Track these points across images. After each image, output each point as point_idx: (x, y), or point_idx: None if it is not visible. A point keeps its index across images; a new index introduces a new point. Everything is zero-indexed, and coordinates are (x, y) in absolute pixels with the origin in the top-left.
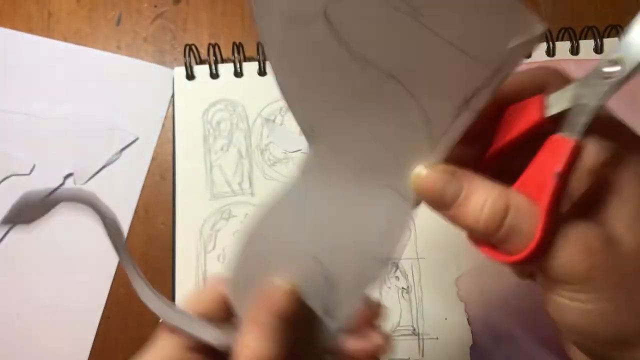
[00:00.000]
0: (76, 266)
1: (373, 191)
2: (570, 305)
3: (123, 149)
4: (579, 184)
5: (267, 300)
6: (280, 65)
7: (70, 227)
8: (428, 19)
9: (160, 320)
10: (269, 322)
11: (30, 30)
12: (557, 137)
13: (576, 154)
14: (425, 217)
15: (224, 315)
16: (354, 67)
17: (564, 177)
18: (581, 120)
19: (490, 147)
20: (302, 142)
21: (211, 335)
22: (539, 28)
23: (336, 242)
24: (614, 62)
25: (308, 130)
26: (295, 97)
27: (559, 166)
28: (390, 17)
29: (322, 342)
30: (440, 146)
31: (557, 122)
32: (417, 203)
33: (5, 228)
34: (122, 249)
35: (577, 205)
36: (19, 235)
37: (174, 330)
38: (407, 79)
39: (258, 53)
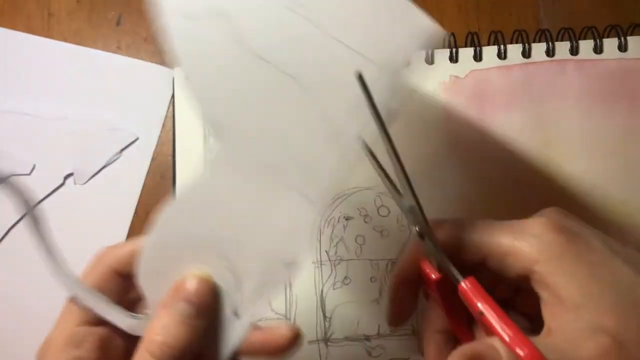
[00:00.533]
0: (76, 266)
1: (277, 192)
2: None
3: (123, 149)
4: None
5: (179, 287)
6: (185, 60)
7: (70, 228)
8: (326, 22)
9: (69, 296)
10: (180, 308)
11: (30, 30)
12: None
13: (467, 291)
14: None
15: (117, 288)
16: (253, 65)
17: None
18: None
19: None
20: None
21: (119, 318)
22: (432, 28)
23: (242, 239)
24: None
25: (214, 126)
26: (201, 93)
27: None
28: (289, 21)
29: (229, 339)
30: (345, 149)
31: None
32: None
33: (6, 228)
34: (36, 225)
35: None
36: (18, 236)
37: (82, 306)
38: (304, 82)
39: None
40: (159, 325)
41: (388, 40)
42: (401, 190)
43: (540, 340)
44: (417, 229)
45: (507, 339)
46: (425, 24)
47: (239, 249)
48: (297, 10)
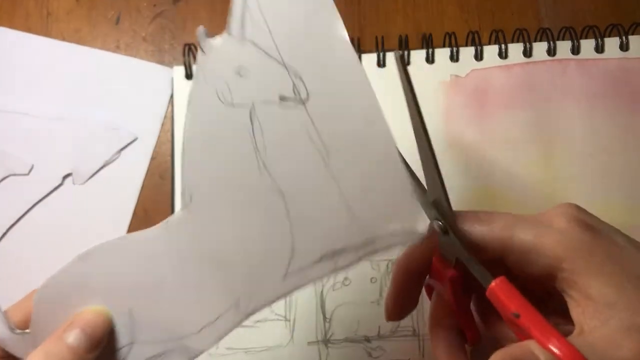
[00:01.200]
0: None
1: (209, 285)
2: None
3: (122, 149)
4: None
5: (75, 318)
6: (193, 126)
7: (69, 227)
8: (333, 162)
9: None
10: (73, 337)
11: (28, 29)
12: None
13: (499, 292)
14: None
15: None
16: (254, 165)
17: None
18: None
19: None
20: None
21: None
22: (422, 227)
23: (151, 308)
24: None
25: (187, 197)
26: (193, 163)
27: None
28: (303, 144)
29: None
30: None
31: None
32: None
33: (5, 228)
34: None
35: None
36: (17, 235)
37: None
38: (292, 204)
39: None
40: (44, 353)
41: (382, 219)
42: (425, 184)
43: (574, 341)
44: (440, 223)
45: (548, 342)
46: (420, 219)
47: (145, 316)
48: (317, 144)
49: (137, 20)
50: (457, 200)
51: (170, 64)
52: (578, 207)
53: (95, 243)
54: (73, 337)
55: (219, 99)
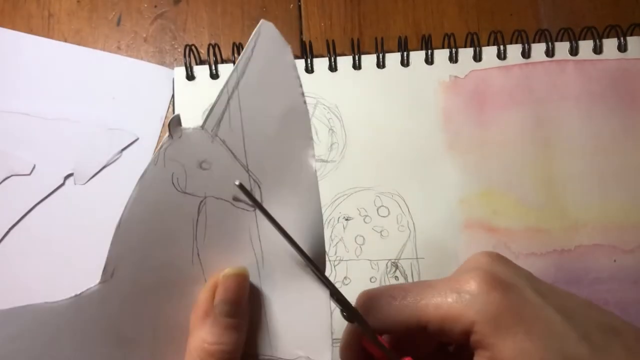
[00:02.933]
0: (76, 265)
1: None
2: None
3: (123, 149)
4: None
5: (214, 289)
6: (137, 203)
7: (70, 228)
8: (266, 272)
9: None
10: (222, 310)
11: (30, 30)
12: None
13: None
14: (424, 217)
15: None
16: (188, 253)
17: None
18: None
19: None
20: None
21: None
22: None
23: None
24: None
25: (109, 271)
26: (126, 238)
27: None
28: (243, 246)
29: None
30: None
31: None
32: None
33: (6, 228)
34: None
35: None
36: (19, 235)
37: None
38: (210, 272)
39: None
40: (207, 334)
41: (291, 341)
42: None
43: None
44: (344, 314)
45: None
46: (324, 356)
47: None
48: (258, 259)
49: (138, 21)
50: (457, 201)
51: (171, 65)
52: (491, 257)
53: (95, 243)
54: (222, 310)
55: (173, 184)
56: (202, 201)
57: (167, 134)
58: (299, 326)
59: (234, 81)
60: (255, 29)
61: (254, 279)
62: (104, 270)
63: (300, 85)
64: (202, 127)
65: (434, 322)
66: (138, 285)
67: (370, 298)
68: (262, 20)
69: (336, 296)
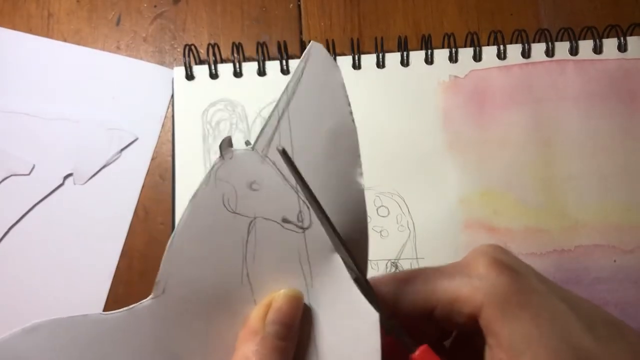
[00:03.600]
0: (76, 265)
1: None
2: None
3: (123, 149)
4: None
5: (267, 309)
6: (190, 221)
7: (70, 227)
8: (315, 294)
9: None
10: (273, 332)
11: (30, 30)
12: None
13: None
14: (424, 217)
15: None
16: (238, 273)
17: None
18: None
19: None
20: None
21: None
22: None
23: None
24: None
25: (160, 287)
26: (178, 255)
27: None
28: (292, 267)
29: None
30: None
31: None
32: None
33: (6, 228)
34: None
35: None
36: (18, 235)
37: None
38: (259, 292)
39: (257, 53)
40: (252, 353)
41: None
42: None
43: None
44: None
45: None
46: None
47: None
48: (307, 280)
49: (138, 21)
50: (457, 201)
51: (170, 65)
52: (496, 247)
53: (95, 243)
54: (273, 331)
55: (224, 204)
56: (251, 222)
57: (218, 156)
58: (347, 348)
59: (284, 102)
60: (305, 51)
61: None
62: (155, 286)
63: (349, 104)
64: (253, 148)
65: (442, 304)
66: (188, 302)
67: (377, 283)
68: (312, 42)
69: (356, 278)
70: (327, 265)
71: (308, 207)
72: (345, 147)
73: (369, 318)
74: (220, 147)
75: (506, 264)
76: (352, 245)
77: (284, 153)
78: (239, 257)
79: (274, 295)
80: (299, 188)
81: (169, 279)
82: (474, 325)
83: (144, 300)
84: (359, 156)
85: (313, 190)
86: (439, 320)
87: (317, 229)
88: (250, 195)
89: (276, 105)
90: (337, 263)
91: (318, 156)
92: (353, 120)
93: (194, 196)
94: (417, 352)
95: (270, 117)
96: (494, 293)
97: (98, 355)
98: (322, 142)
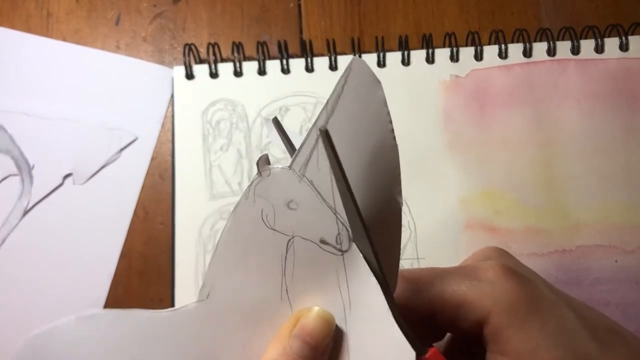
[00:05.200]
0: (75, 265)
1: None
2: None
3: (122, 149)
4: None
5: (297, 322)
6: (232, 233)
7: (69, 228)
8: (352, 320)
9: None
10: (297, 347)
11: (29, 29)
12: None
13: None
14: (425, 217)
15: None
16: (277, 288)
17: None
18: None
19: None
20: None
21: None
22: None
23: None
24: None
25: (205, 292)
26: (222, 264)
27: None
28: (330, 288)
29: None
30: None
31: None
32: None
33: (5, 228)
34: None
35: None
36: (19, 235)
37: None
38: (296, 309)
39: (257, 53)
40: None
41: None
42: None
43: None
44: None
45: None
46: None
47: None
48: (345, 303)
49: (137, 20)
50: (457, 201)
51: (170, 64)
52: (502, 251)
53: (94, 243)
54: (297, 347)
55: (263, 219)
56: (290, 240)
57: (256, 173)
58: None
59: (323, 120)
60: (347, 66)
61: (340, 322)
62: (201, 290)
63: (391, 122)
64: (290, 166)
65: (448, 308)
66: (230, 310)
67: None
68: (353, 57)
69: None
70: (365, 292)
71: (347, 228)
72: (385, 164)
73: (405, 356)
74: (258, 163)
75: (515, 271)
76: (385, 264)
77: (326, 134)
78: (279, 273)
79: (305, 311)
80: (337, 210)
81: (214, 284)
82: (477, 332)
83: (189, 303)
84: (399, 174)
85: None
86: (440, 323)
87: (356, 252)
88: (288, 214)
89: (315, 123)
90: (375, 290)
91: (357, 174)
92: (394, 138)
93: (236, 208)
94: (427, 355)
95: (308, 135)
96: (504, 300)
97: (144, 351)
98: (361, 161)
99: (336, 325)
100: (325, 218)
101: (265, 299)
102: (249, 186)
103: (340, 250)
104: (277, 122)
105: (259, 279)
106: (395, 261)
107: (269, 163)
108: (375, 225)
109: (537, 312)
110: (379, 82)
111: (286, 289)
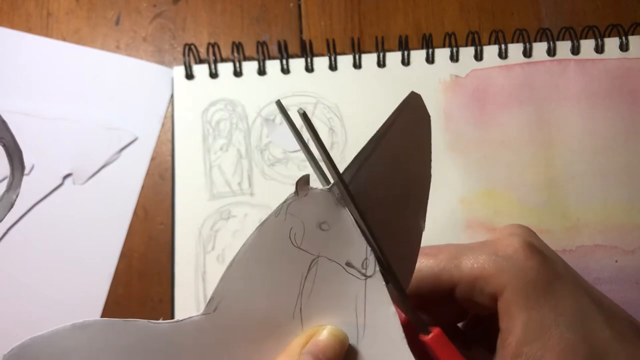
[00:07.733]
0: (75, 266)
1: None
2: None
3: (122, 149)
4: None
5: (309, 339)
6: (253, 248)
7: (69, 228)
8: (365, 345)
9: None
10: None
11: (29, 29)
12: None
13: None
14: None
15: None
16: (291, 306)
17: None
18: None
19: None
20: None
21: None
22: None
23: None
24: None
25: (213, 305)
26: (236, 277)
27: None
28: (346, 312)
29: None
30: None
31: None
32: None
33: (5, 228)
34: None
35: None
36: (17, 235)
37: None
38: (309, 328)
39: (257, 52)
40: None
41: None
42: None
43: None
44: (380, 271)
45: None
46: None
47: None
48: (359, 328)
49: (137, 20)
50: (458, 201)
51: (170, 64)
52: (527, 229)
53: (94, 243)
54: None
55: (290, 237)
56: (314, 259)
57: (294, 191)
58: None
59: (369, 150)
60: (404, 99)
61: (352, 344)
62: (208, 303)
63: (430, 156)
64: (329, 189)
65: (465, 281)
66: (237, 325)
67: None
68: (411, 92)
69: (374, 249)
70: (382, 317)
71: (375, 256)
72: (416, 193)
73: None
74: (297, 183)
75: (537, 248)
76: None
77: (304, 115)
78: (295, 291)
79: (319, 328)
80: (367, 236)
81: (223, 298)
82: (492, 307)
83: (194, 315)
84: (426, 203)
85: (380, 238)
86: (459, 299)
87: (379, 279)
88: (317, 234)
89: (361, 151)
90: (393, 319)
91: (388, 205)
92: (430, 169)
93: (262, 223)
94: (430, 336)
95: (352, 162)
96: (520, 276)
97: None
98: (395, 190)
99: (349, 346)
100: (355, 243)
101: (276, 315)
102: (282, 204)
103: (364, 275)
104: (305, 116)
105: (273, 295)
106: (408, 278)
107: (308, 184)
108: (396, 255)
109: (552, 291)
110: (429, 117)
111: (300, 308)
